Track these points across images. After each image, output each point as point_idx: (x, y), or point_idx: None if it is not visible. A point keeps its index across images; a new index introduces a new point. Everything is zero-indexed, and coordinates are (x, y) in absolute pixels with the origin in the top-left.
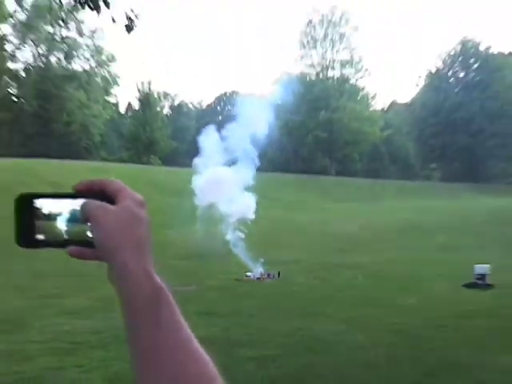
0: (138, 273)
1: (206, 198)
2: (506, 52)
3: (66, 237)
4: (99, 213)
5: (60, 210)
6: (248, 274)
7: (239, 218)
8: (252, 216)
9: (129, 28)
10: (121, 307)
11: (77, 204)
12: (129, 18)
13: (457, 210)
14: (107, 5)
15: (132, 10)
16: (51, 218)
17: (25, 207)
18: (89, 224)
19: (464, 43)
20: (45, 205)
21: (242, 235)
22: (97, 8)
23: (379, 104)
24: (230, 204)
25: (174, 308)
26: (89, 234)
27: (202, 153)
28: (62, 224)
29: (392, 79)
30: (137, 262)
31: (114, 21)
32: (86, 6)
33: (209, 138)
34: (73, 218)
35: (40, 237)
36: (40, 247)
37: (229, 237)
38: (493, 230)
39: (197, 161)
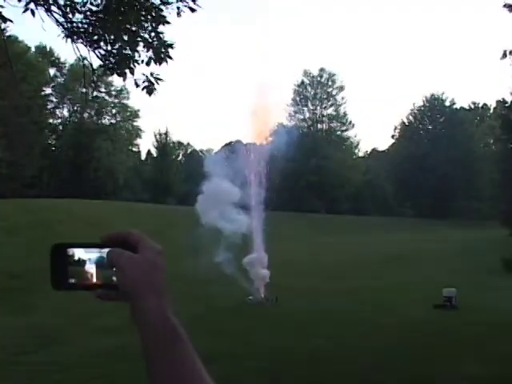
0: (156, 314)
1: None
2: (467, 107)
3: (94, 281)
4: (123, 260)
5: (89, 257)
6: (250, 297)
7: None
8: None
9: (149, 91)
10: (140, 343)
11: (103, 252)
12: (149, 82)
13: (429, 241)
14: (132, 71)
15: (152, 74)
16: (81, 264)
17: (59, 255)
18: (114, 270)
19: (431, 100)
20: (76, 252)
21: (244, 263)
22: (123, 74)
23: (362, 151)
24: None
25: (187, 345)
26: (114, 278)
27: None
28: (90, 269)
29: (372, 130)
30: (156, 304)
31: (137, 85)
32: (114, 72)
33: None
34: (100, 265)
35: (71, 280)
36: (71, 290)
37: (231, 264)
38: (461, 258)
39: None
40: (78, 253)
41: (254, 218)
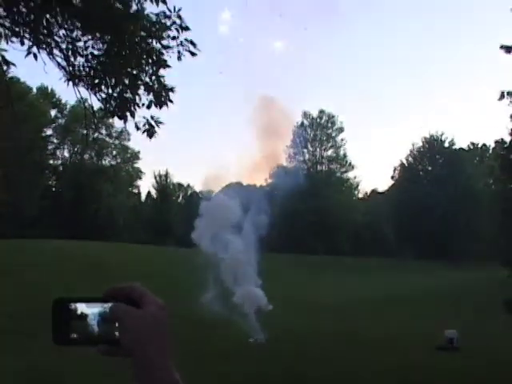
0: (160, 368)
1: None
2: (466, 147)
3: (96, 336)
4: (126, 316)
5: (91, 311)
6: (250, 339)
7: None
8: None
9: (150, 134)
10: None
11: (106, 307)
12: (150, 125)
13: (429, 282)
14: (132, 115)
15: (153, 118)
16: (83, 318)
17: (60, 309)
18: (116, 325)
19: (430, 141)
20: (78, 307)
21: (245, 305)
22: (124, 118)
23: (362, 192)
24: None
25: None
26: (116, 333)
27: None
28: (92, 324)
29: (372, 171)
30: (159, 358)
31: (137, 128)
32: (115, 115)
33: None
34: (102, 319)
35: (73, 335)
36: (73, 345)
37: (233, 304)
38: (461, 299)
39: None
40: (81, 307)
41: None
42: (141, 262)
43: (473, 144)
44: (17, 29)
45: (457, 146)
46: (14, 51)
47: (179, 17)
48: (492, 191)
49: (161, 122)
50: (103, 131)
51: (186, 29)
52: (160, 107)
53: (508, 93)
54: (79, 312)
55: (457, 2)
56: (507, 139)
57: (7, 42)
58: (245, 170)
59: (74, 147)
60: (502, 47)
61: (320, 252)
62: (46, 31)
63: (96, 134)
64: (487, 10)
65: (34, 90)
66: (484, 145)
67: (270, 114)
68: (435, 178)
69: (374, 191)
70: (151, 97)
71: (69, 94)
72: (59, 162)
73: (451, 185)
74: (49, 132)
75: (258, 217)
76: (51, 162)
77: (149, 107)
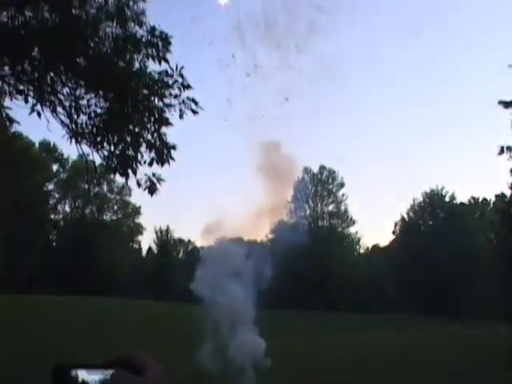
0: None
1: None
2: (467, 201)
3: None
4: (126, 383)
5: (92, 378)
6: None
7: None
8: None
9: (151, 191)
10: None
11: (107, 374)
12: (151, 182)
13: (430, 339)
14: (134, 172)
15: (154, 175)
16: None
17: (61, 376)
18: None
19: (431, 196)
20: (79, 374)
21: (241, 359)
22: (125, 175)
23: (363, 247)
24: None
25: None
26: None
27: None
28: None
29: (373, 225)
30: None
31: (139, 185)
32: (116, 172)
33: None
34: None
35: None
36: None
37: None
38: (461, 356)
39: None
40: (81, 374)
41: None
42: (141, 317)
43: (473, 198)
44: (21, 87)
45: (457, 201)
46: (18, 108)
47: (181, 75)
48: (493, 246)
49: (162, 180)
50: (104, 186)
51: (188, 87)
52: (162, 165)
53: (507, 147)
54: (80, 379)
55: (456, 57)
56: (507, 193)
57: (11, 99)
58: (246, 225)
59: (75, 202)
60: (500, 103)
61: (321, 308)
62: (49, 89)
63: (97, 189)
64: (486, 64)
65: (37, 145)
66: (485, 199)
67: (273, 166)
68: (436, 232)
69: (375, 246)
70: (153, 154)
71: (71, 149)
72: (60, 216)
73: (452, 240)
74: (50, 187)
75: (258, 269)
76: (52, 216)
77: (150, 164)
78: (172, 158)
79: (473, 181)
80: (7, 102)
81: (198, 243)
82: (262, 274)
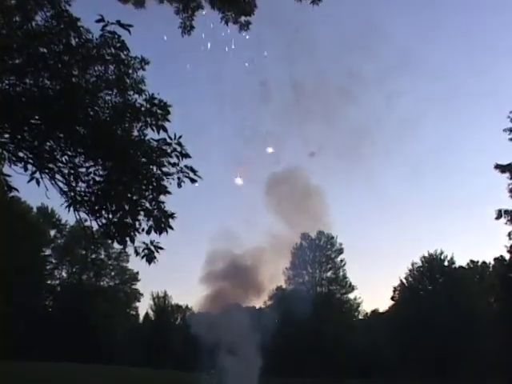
0: None
1: None
2: (466, 265)
3: None
4: None
5: None
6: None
7: None
8: None
9: (149, 259)
10: None
11: None
12: (149, 250)
13: None
14: (132, 240)
15: (152, 243)
16: None
17: None
18: None
19: (430, 260)
20: None
21: None
22: (123, 242)
23: (362, 313)
24: None
25: None
26: None
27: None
28: None
29: (372, 291)
30: None
31: (137, 254)
32: (114, 240)
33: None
34: None
35: None
36: None
37: None
38: None
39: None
40: None
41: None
42: None
43: (472, 262)
44: (20, 154)
45: (456, 265)
46: (17, 174)
47: (179, 144)
48: (493, 309)
49: (161, 248)
50: (102, 252)
51: (187, 156)
52: (160, 233)
53: (505, 211)
54: None
55: (452, 119)
56: (507, 256)
57: (10, 166)
58: (244, 292)
59: (72, 267)
60: (496, 167)
61: (320, 374)
62: (49, 156)
63: (95, 255)
64: (484, 129)
65: (35, 210)
66: (484, 262)
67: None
68: (436, 297)
69: (374, 311)
70: (151, 222)
71: (69, 215)
72: (57, 282)
73: (452, 304)
74: (47, 252)
75: (258, 335)
76: (49, 282)
77: (148, 233)
78: (170, 227)
79: (471, 244)
80: (6, 168)
81: (196, 309)
82: (262, 340)
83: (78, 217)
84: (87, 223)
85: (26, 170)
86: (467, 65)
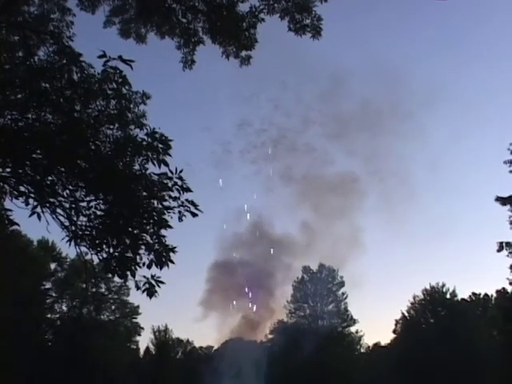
0: None
1: None
2: (468, 297)
3: None
4: None
5: None
6: None
7: None
8: None
9: (150, 294)
10: None
11: None
12: (150, 284)
13: None
14: (133, 274)
15: (153, 277)
16: None
17: None
18: None
19: (431, 293)
20: None
21: None
22: (124, 277)
23: (364, 347)
24: None
25: None
26: None
27: None
28: None
29: (374, 324)
30: None
31: (137, 288)
32: (115, 274)
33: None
34: None
35: None
36: None
37: None
38: None
39: None
40: None
41: None
42: None
43: (474, 294)
44: (22, 188)
45: (458, 297)
46: (18, 208)
47: (180, 178)
48: (496, 342)
49: (162, 282)
50: (102, 285)
51: (187, 190)
52: (161, 268)
53: (507, 244)
54: None
55: (452, 153)
56: (509, 289)
57: (11, 200)
58: (245, 325)
59: (72, 301)
60: (497, 199)
61: None
62: (50, 190)
63: (95, 289)
64: (484, 161)
65: (35, 243)
66: (486, 295)
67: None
68: (438, 330)
69: (376, 345)
70: (152, 256)
71: (69, 248)
72: (57, 315)
73: (454, 337)
74: (48, 285)
75: (259, 370)
76: (49, 315)
77: (149, 267)
78: (171, 261)
79: (473, 277)
80: (7, 202)
81: (197, 343)
82: (264, 373)
83: (78, 250)
84: (88, 257)
85: (27, 204)
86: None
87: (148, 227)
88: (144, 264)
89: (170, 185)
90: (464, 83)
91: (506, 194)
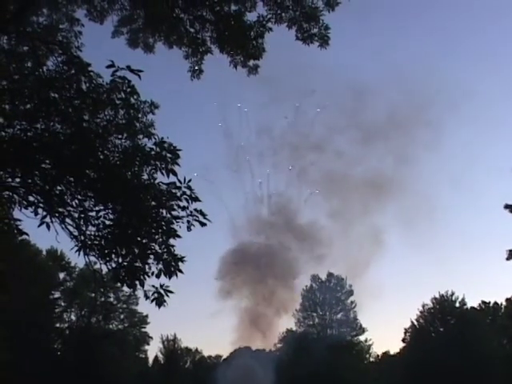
0: None
1: None
2: (477, 306)
3: None
4: None
5: None
6: None
7: None
8: None
9: (159, 303)
10: None
11: None
12: (159, 294)
13: None
14: (142, 284)
15: (162, 286)
16: None
17: None
18: None
19: (441, 302)
20: None
21: None
22: (133, 286)
23: (373, 355)
24: None
25: None
26: None
27: None
28: None
29: (383, 332)
30: None
31: (146, 297)
32: (124, 283)
33: None
34: None
35: None
36: None
37: None
38: None
39: None
40: None
41: None
42: None
43: (484, 303)
44: (31, 198)
45: (468, 305)
46: (27, 218)
47: (189, 187)
48: (506, 351)
49: (171, 291)
50: (111, 295)
51: (196, 199)
52: (169, 277)
53: None
54: None
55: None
56: None
57: (20, 210)
58: (254, 334)
59: (81, 310)
60: (506, 207)
61: None
62: (59, 200)
63: (104, 298)
64: (492, 169)
65: (44, 253)
66: (495, 303)
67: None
68: (447, 339)
69: (385, 353)
70: (161, 266)
71: (78, 257)
72: (66, 325)
73: (464, 345)
74: (57, 294)
75: (266, 381)
76: (58, 324)
77: (158, 276)
78: (180, 271)
79: (483, 285)
80: (17, 212)
81: (206, 352)
82: (272, 383)
83: (87, 260)
84: (97, 266)
85: (36, 214)
86: None
87: (157, 237)
88: (153, 273)
89: (178, 194)
90: (468, 85)
91: None
